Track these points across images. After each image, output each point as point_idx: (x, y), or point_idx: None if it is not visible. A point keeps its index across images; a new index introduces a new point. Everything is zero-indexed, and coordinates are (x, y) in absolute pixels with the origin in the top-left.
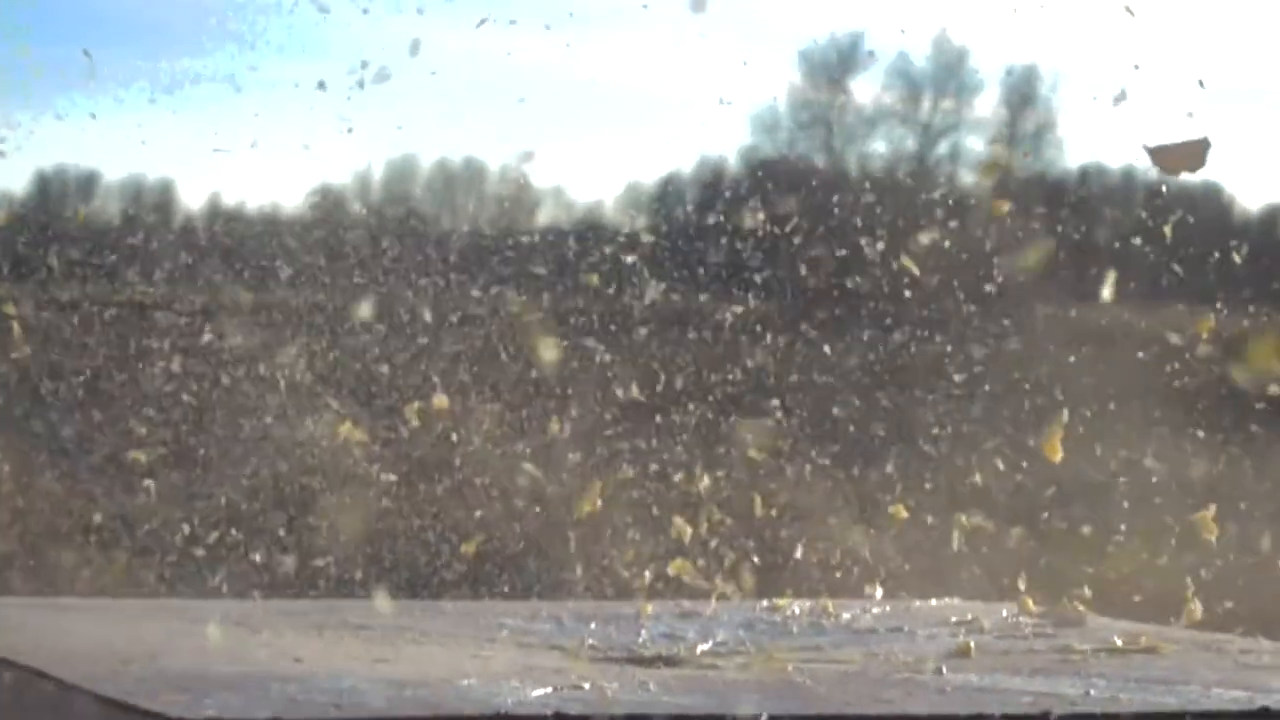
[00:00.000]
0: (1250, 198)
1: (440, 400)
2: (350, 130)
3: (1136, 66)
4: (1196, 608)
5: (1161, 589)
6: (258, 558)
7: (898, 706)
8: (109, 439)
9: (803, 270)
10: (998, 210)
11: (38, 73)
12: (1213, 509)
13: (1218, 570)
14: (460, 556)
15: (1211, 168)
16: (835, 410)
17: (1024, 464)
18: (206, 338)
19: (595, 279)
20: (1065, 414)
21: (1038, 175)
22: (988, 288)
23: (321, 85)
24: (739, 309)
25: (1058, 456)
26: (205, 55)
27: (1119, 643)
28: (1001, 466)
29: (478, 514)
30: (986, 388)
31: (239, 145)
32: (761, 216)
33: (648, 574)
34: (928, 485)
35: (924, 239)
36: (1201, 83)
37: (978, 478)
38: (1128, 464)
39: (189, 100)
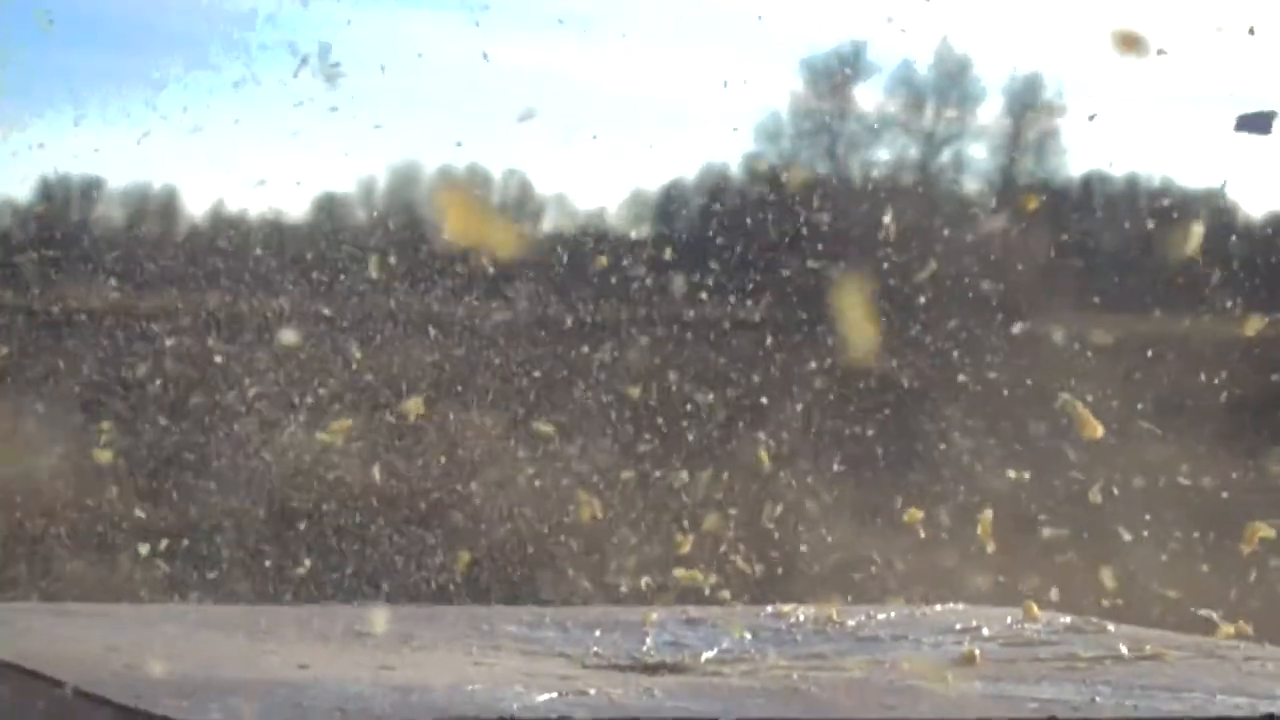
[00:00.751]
0: (1254, 204)
1: (416, 405)
2: (348, 130)
3: (1151, 55)
4: (1227, 627)
5: (1194, 603)
6: (262, 563)
7: (902, 713)
8: (106, 441)
9: (807, 275)
10: (1029, 204)
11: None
12: (1270, 528)
13: (1256, 583)
14: (453, 568)
15: (1215, 173)
16: (842, 417)
17: (1042, 469)
18: (206, 344)
19: (603, 260)
20: (1069, 396)
21: (1041, 183)
22: (997, 293)
23: (313, 69)
24: (741, 314)
25: (1099, 432)
26: (206, 60)
27: (1124, 650)
28: (1013, 473)
29: (475, 522)
30: (1005, 394)
31: (228, 139)
32: (765, 223)
33: (645, 581)
34: (939, 491)
35: (936, 244)
36: (1252, 29)
37: (998, 481)
38: (1157, 472)
39: (188, 106)
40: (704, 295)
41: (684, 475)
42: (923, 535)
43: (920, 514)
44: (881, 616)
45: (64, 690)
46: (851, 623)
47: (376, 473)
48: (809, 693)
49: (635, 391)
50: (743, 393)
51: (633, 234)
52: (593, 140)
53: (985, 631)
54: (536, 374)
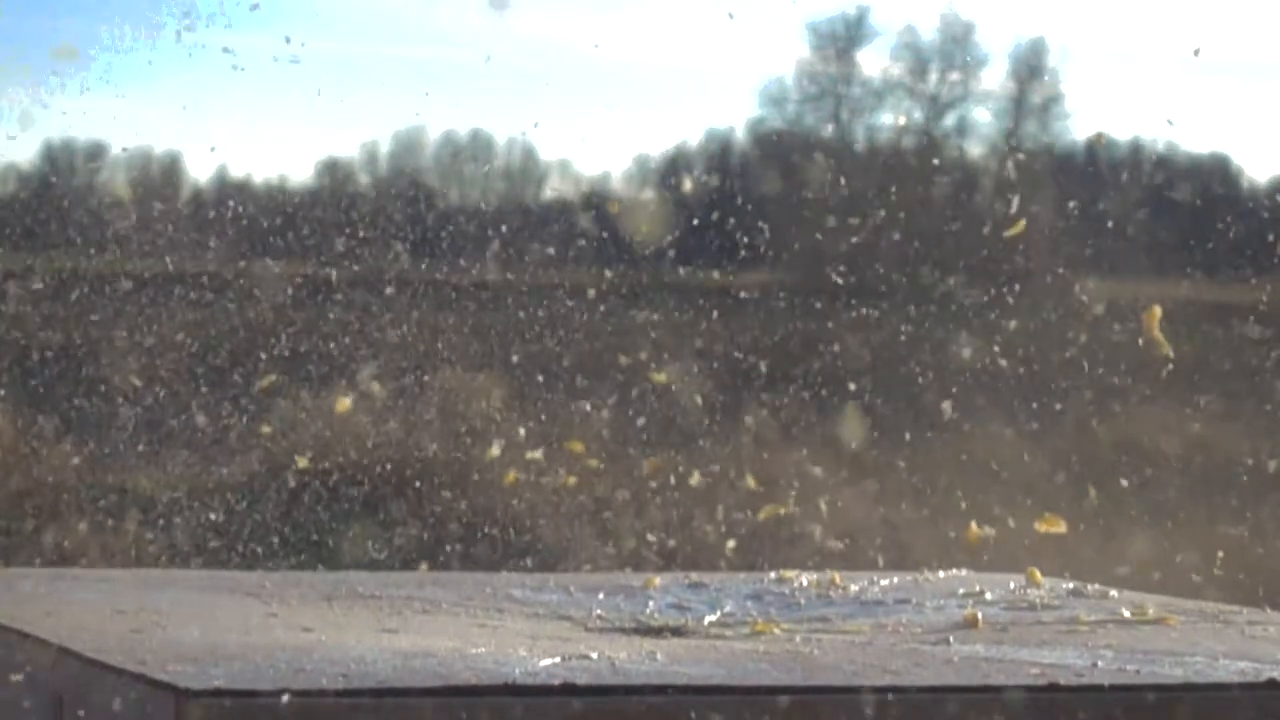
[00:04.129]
0: (1258, 169)
1: (344, 402)
2: (355, 101)
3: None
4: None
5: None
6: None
7: (905, 677)
8: (109, 411)
9: (813, 242)
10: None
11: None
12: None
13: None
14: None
15: (1220, 139)
16: (848, 386)
17: (1048, 442)
18: (213, 309)
19: (616, 206)
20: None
21: (1045, 147)
22: (1003, 261)
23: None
24: (746, 281)
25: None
26: (216, 28)
27: (1126, 614)
28: (1017, 444)
29: (472, 493)
30: (1022, 363)
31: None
32: (769, 188)
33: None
34: (944, 463)
35: (943, 211)
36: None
37: (991, 457)
38: (1180, 441)
39: (195, 75)
40: (706, 261)
41: (684, 444)
42: (928, 508)
43: (980, 530)
44: (884, 582)
45: (68, 656)
46: (854, 587)
47: (372, 438)
48: (812, 656)
49: (640, 358)
50: (751, 359)
51: (637, 198)
52: (602, 108)
53: (988, 596)
54: (537, 341)
